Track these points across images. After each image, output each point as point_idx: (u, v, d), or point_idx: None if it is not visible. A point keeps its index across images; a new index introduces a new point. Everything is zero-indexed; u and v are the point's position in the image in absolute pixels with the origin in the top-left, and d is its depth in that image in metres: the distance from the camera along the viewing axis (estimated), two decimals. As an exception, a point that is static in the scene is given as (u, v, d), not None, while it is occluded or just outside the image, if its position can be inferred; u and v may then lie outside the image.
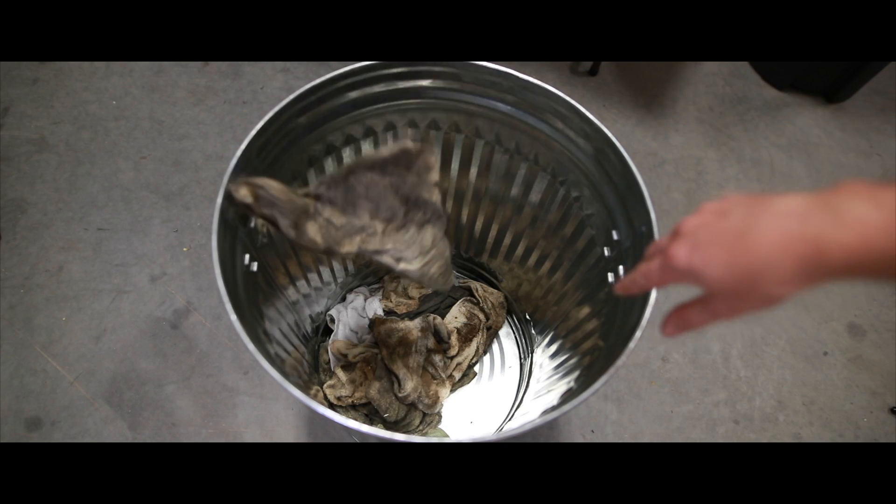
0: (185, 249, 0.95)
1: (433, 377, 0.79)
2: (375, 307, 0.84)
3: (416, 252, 0.50)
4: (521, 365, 0.86)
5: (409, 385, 0.75)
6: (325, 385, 0.77)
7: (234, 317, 0.43)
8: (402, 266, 0.50)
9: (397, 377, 0.76)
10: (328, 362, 0.81)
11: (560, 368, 0.70)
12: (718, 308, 0.29)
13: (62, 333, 0.87)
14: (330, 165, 0.65)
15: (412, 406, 0.77)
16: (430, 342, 0.79)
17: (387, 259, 0.49)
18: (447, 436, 0.79)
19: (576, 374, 0.62)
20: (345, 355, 0.79)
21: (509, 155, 0.67)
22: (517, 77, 0.56)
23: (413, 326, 0.80)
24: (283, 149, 0.57)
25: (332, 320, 0.83)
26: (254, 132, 0.51)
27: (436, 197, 0.50)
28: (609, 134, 0.53)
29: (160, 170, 1.04)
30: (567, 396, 0.57)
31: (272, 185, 0.43)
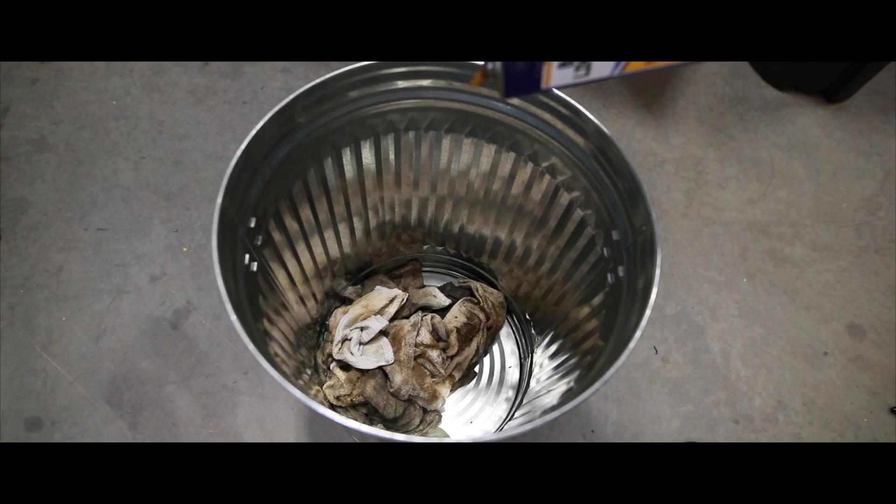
0: (185, 249, 0.95)
1: (431, 374, 0.79)
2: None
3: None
4: (521, 365, 0.86)
5: (398, 378, 0.75)
6: (324, 385, 0.77)
7: (234, 317, 0.43)
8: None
9: (385, 371, 0.76)
10: (326, 362, 0.81)
11: (560, 368, 0.70)
12: None
13: (62, 333, 0.87)
14: (330, 165, 0.65)
15: (410, 402, 0.77)
16: (426, 338, 0.79)
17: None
18: (447, 436, 0.79)
19: (576, 374, 0.62)
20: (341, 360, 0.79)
21: (509, 155, 0.67)
22: (517, 77, 0.56)
23: (405, 322, 0.80)
24: (283, 149, 0.57)
25: (328, 328, 0.83)
26: (254, 132, 0.51)
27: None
28: (609, 134, 0.53)
29: (160, 170, 1.04)
30: (567, 396, 0.57)
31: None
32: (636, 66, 0.29)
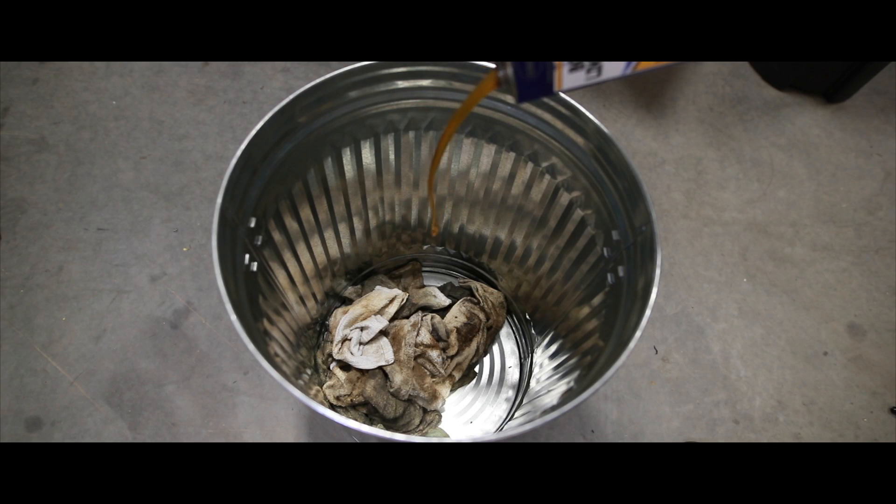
0: (185, 249, 0.95)
1: (431, 374, 0.79)
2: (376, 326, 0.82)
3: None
4: (521, 365, 0.86)
5: (398, 378, 0.75)
6: (324, 385, 0.77)
7: (234, 317, 0.43)
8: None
9: (385, 371, 0.76)
10: (326, 362, 0.81)
11: (560, 368, 0.70)
12: None
13: (62, 333, 0.87)
14: (330, 165, 0.65)
15: (410, 402, 0.77)
16: (426, 338, 0.79)
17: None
18: (447, 436, 0.79)
19: (576, 374, 0.62)
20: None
21: (509, 155, 0.67)
22: (517, 77, 0.56)
23: (405, 322, 0.80)
24: (283, 149, 0.57)
25: (328, 328, 0.83)
26: (254, 132, 0.51)
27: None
28: (609, 133, 0.53)
29: (160, 170, 1.04)
30: (567, 396, 0.57)
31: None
32: (647, 63, 0.29)
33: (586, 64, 0.26)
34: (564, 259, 0.71)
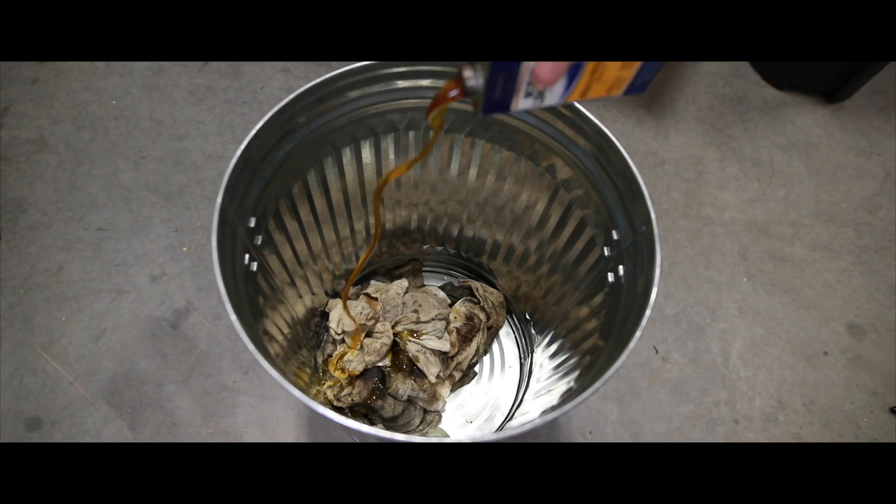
0: (185, 249, 0.95)
1: (433, 377, 0.79)
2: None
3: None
4: (521, 365, 0.86)
5: (398, 378, 0.75)
6: (324, 385, 0.77)
7: (234, 317, 0.43)
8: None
9: (382, 372, 0.76)
10: (326, 362, 0.81)
11: (560, 368, 0.70)
12: None
13: (62, 333, 0.87)
14: (330, 165, 0.65)
15: (410, 402, 0.77)
16: (430, 342, 0.79)
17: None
18: (447, 435, 0.79)
19: (576, 374, 0.62)
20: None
21: (509, 155, 0.67)
22: (517, 77, 0.56)
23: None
24: (283, 149, 0.57)
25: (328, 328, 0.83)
26: (254, 132, 0.51)
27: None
28: (609, 133, 0.53)
29: (160, 170, 1.04)
30: (567, 396, 0.57)
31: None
32: (576, 97, 0.35)
33: (534, 92, 0.33)
34: (564, 259, 0.71)
